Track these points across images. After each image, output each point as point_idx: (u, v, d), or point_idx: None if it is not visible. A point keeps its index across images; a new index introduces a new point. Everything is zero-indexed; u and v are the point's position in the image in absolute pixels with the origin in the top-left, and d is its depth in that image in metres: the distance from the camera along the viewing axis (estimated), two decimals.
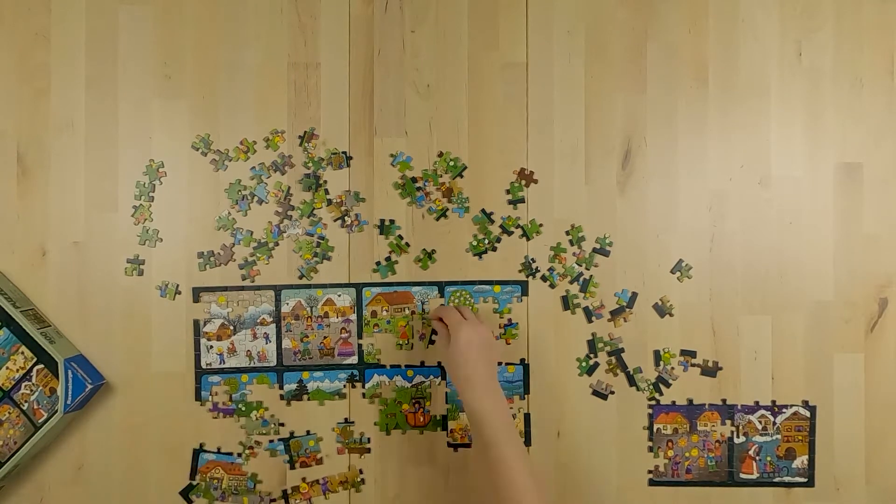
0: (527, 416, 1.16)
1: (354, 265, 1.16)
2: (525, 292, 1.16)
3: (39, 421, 1.08)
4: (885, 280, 1.17)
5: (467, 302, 1.16)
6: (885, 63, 1.17)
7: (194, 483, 1.14)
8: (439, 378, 1.16)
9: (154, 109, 1.16)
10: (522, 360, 1.16)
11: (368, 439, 1.16)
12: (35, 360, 1.08)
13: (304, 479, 1.15)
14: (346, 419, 1.16)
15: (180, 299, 1.15)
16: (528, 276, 1.17)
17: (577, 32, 1.18)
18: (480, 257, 1.17)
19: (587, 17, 1.18)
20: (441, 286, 1.16)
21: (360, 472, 1.16)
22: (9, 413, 1.08)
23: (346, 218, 1.16)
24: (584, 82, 1.17)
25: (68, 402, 1.07)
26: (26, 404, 1.08)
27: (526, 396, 1.16)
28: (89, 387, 1.08)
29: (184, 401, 1.15)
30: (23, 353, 1.08)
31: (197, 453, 1.14)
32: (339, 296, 1.15)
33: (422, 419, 1.16)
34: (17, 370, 1.08)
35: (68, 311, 1.14)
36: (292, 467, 1.15)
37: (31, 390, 1.08)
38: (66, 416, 1.07)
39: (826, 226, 1.17)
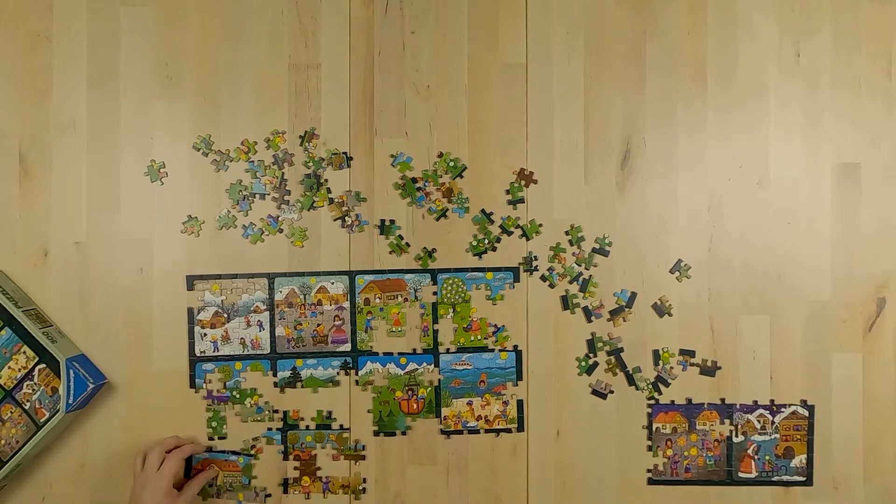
0: (520, 403, 1.17)
1: (355, 265, 1.17)
2: (517, 279, 1.17)
3: (41, 420, 1.08)
4: (883, 280, 1.17)
5: (460, 289, 1.16)
6: (883, 64, 1.18)
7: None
8: (432, 365, 1.17)
9: (155, 110, 1.16)
10: (515, 347, 1.17)
11: (363, 447, 1.16)
12: (37, 359, 1.08)
13: (305, 474, 1.15)
14: (341, 426, 1.16)
15: (180, 299, 1.15)
16: (528, 272, 1.17)
17: (576, 33, 1.18)
18: (480, 257, 1.17)
19: (586, 18, 1.18)
20: (434, 274, 1.17)
21: (364, 480, 1.16)
22: (11, 412, 1.09)
23: (346, 218, 1.17)
24: (583, 83, 1.18)
25: (70, 401, 1.07)
26: (28, 404, 1.09)
27: (519, 383, 1.17)
28: (91, 386, 1.08)
29: (185, 399, 1.15)
30: (25, 352, 1.08)
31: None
32: (333, 283, 1.16)
33: (415, 406, 1.17)
34: (19, 369, 1.09)
35: (70, 311, 1.14)
36: (285, 458, 1.15)
37: (33, 390, 1.09)
38: (67, 415, 1.08)
39: (824, 226, 1.18)
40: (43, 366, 1.08)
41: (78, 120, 1.15)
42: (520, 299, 1.17)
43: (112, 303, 1.15)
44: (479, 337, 1.17)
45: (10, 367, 1.09)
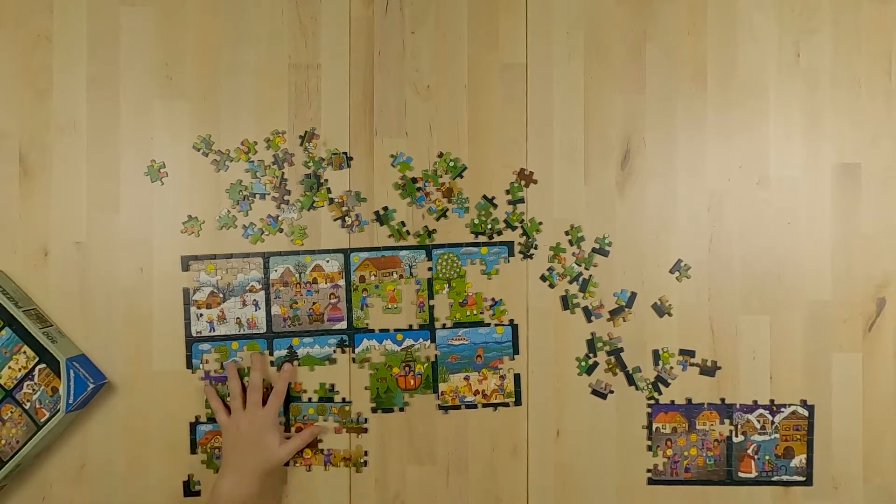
0: (517, 377, 1.17)
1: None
2: (511, 252, 1.17)
3: (41, 420, 1.08)
4: (883, 280, 1.17)
5: (455, 265, 1.16)
6: (883, 64, 1.18)
7: (190, 478, 1.15)
8: (429, 341, 1.17)
9: (155, 110, 1.16)
10: (511, 321, 1.17)
11: (366, 419, 1.16)
12: (37, 359, 1.08)
13: (307, 446, 1.15)
14: (343, 399, 1.16)
15: (181, 299, 1.15)
16: (524, 256, 1.17)
17: (576, 33, 1.18)
18: (477, 236, 1.17)
19: (586, 17, 1.18)
20: (429, 249, 1.17)
21: (366, 453, 1.16)
22: (11, 412, 1.09)
23: (346, 218, 1.17)
24: (583, 83, 1.18)
25: (70, 401, 1.07)
26: (28, 404, 1.09)
27: (515, 357, 1.17)
28: (91, 386, 1.08)
29: (185, 399, 1.15)
30: (25, 352, 1.08)
31: (193, 426, 1.15)
32: (328, 262, 1.16)
33: (412, 382, 1.17)
34: (20, 369, 1.09)
35: (70, 311, 1.14)
36: (287, 430, 1.16)
37: (34, 390, 1.09)
38: (68, 415, 1.08)
39: (824, 226, 1.18)
40: (43, 366, 1.09)
41: (78, 120, 1.16)
42: (515, 273, 1.17)
43: (112, 303, 1.15)
44: (474, 312, 1.17)
45: (10, 367, 1.09)
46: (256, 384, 1.11)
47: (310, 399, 1.16)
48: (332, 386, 1.16)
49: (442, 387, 1.17)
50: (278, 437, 1.10)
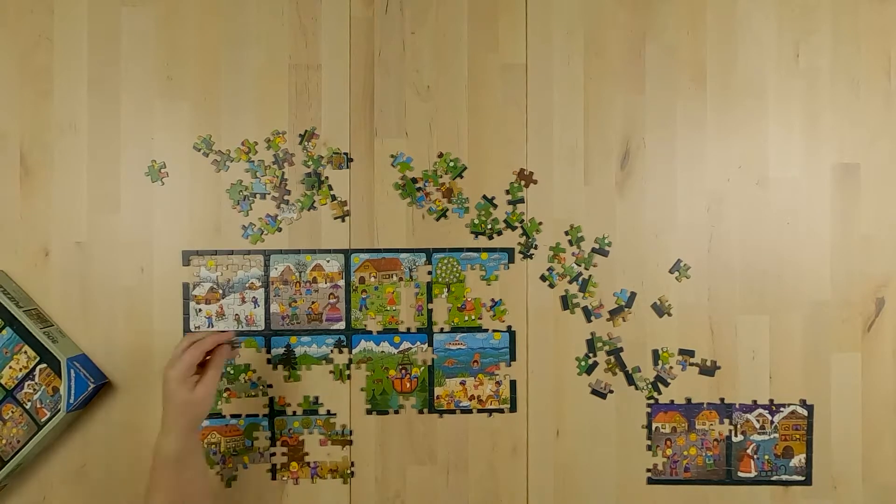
0: (512, 383, 1.17)
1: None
2: (511, 259, 1.17)
3: (42, 420, 1.08)
4: (882, 280, 1.18)
5: (455, 269, 1.17)
6: (882, 64, 1.18)
7: None
8: (426, 345, 1.17)
9: (156, 110, 1.16)
10: (509, 328, 1.17)
11: (350, 431, 1.17)
12: (38, 359, 1.09)
13: (293, 460, 1.16)
14: (328, 411, 1.16)
15: (181, 299, 1.15)
16: (524, 256, 1.17)
17: (576, 34, 1.18)
18: (477, 237, 1.17)
19: (586, 18, 1.18)
20: (429, 253, 1.17)
21: (352, 464, 1.16)
22: (12, 412, 1.09)
23: (346, 218, 1.17)
24: (583, 83, 1.18)
25: (71, 401, 1.08)
26: (29, 403, 1.09)
27: (512, 363, 1.17)
28: (92, 386, 1.09)
29: None
30: (26, 352, 1.09)
31: None
32: (328, 262, 1.17)
33: (408, 385, 1.17)
34: (21, 369, 1.09)
35: (71, 311, 1.15)
36: (273, 444, 1.16)
37: (34, 389, 1.09)
38: (68, 415, 1.08)
39: (823, 226, 1.18)
40: (44, 365, 1.09)
41: (78, 120, 1.16)
42: (514, 280, 1.18)
43: (113, 302, 1.15)
44: (472, 317, 1.17)
45: (11, 367, 1.09)
46: (183, 340, 1.02)
47: (294, 413, 1.16)
48: (317, 399, 1.16)
49: (438, 391, 1.17)
50: (188, 388, 0.99)
